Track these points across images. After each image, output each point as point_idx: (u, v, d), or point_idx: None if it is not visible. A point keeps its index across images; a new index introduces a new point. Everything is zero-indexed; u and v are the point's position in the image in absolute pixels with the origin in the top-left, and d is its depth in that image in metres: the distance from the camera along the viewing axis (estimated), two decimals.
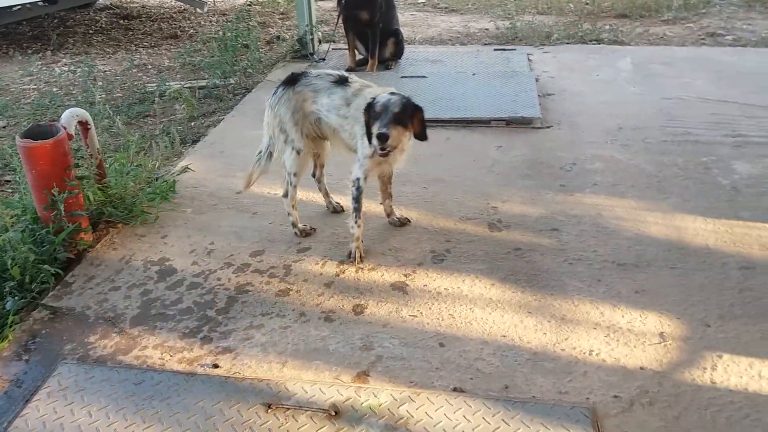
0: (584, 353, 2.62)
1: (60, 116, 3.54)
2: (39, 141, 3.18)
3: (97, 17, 9.27)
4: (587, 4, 8.68)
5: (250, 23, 7.12)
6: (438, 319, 2.86)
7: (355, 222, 3.26)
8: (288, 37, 7.61)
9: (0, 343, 2.77)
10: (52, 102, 5.80)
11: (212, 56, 6.60)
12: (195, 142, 4.93)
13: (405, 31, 7.06)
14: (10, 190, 4.31)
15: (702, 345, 2.65)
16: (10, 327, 2.84)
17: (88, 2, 9.48)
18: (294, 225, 3.52)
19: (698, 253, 3.25)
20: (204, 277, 3.21)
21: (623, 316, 2.83)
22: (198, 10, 9.17)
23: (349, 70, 6.05)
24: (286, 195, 3.49)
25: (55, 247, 3.20)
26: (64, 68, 6.97)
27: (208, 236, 3.56)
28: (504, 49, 6.84)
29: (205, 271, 3.26)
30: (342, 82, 3.23)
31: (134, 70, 6.92)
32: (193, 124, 5.38)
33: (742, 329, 2.72)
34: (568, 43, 7.07)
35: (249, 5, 8.83)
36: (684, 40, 7.18)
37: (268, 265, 3.28)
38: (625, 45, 7.00)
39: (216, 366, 2.62)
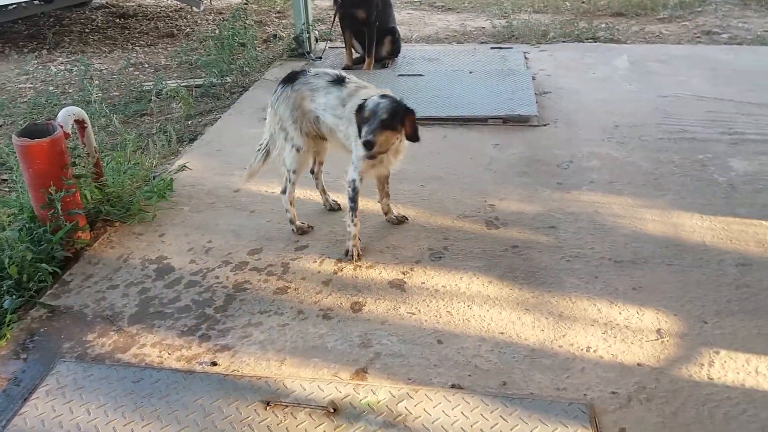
0: (582, 350, 2.63)
1: (56, 115, 3.53)
2: (36, 140, 3.17)
3: (93, 16, 9.24)
4: (583, 2, 8.68)
5: (247, 22, 7.10)
6: (436, 316, 2.86)
7: (352, 221, 3.27)
8: (285, 35, 7.59)
9: None
10: (49, 101, 5.78)
11: (209, 55, 6.58)
12: (192, 140, 4.92)
13: (402, 30, 7.05)
14: (6, 189, 4.29)
15: (699, 341, 2.66)
16: (8, 326, 2.84)
17: (84, 1, 9.44)
18: (292, 222, 3.53)
19: (695, 250, 3.27)
20: (202, 275, 3.21)
21: (620, 313, 2.84)
22: (194, 8, 9.14)
23: (346, 68, 6.05)
24: (284, 192, 3.49)
25: (52, 245, 3.20)
26: (61, 67, 6.95)
27: (206, 234, 3.56)
28: (501, 48, 6.83)
29: (203, 269, 3.26)
30: (339, 81, 3.23)
31: (131, 69, 6.91)
32: (190, 122, 5.37)
33: (739, 325, 2.73)
34: (564, 42, 7.07)
35: (245, 4, 8.77)
36: (680, 39, 7.19)
37: (266, 263, 3.29)
38: (622, 43, 7.00)
39: (214, 364, 2.62)
